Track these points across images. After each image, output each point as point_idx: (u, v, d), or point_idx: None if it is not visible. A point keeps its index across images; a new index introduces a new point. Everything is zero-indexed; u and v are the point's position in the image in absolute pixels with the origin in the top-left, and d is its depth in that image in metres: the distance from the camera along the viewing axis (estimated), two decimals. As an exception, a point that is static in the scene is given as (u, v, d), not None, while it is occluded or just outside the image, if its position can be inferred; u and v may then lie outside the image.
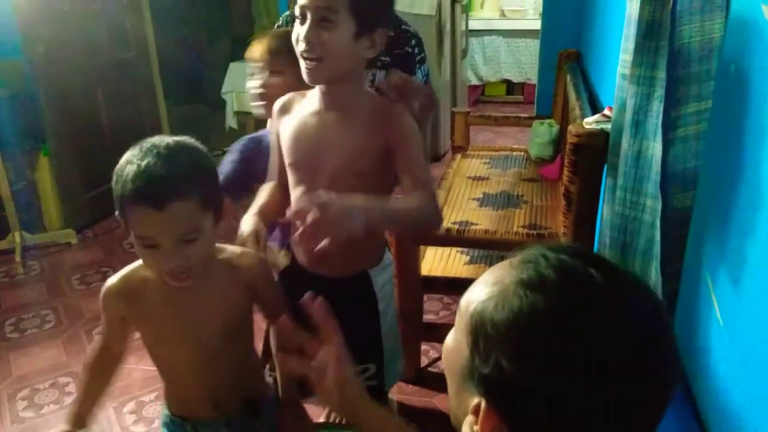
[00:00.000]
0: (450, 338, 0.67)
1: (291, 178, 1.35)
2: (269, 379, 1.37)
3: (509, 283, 0.58)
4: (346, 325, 1.41)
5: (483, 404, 0.58)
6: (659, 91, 1.14)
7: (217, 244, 1.15)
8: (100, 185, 3.64)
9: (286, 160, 1.35)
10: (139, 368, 2.33)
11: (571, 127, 1.74)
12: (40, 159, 3.34)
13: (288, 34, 1.48)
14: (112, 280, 1.14)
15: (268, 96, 1.54)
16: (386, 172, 1.31)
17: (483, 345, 0.57)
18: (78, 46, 3.49)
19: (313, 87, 1.30)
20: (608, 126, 1.63)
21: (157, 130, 3.82)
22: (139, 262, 1.13)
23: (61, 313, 2.76)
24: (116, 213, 1.03)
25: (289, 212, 1.24)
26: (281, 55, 1.51)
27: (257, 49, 1.60)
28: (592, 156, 1.66)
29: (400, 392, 2.15)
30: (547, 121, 3.14)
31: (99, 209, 3.65)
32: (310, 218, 0.99)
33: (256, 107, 1.62)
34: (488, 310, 0.57)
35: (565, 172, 1.80)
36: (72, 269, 3.15)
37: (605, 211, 1.55)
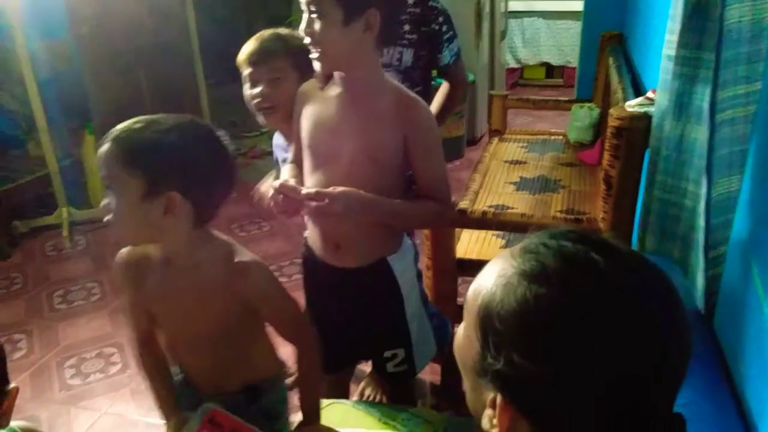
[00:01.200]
0: (460, 333, 0.65)
1: (306, 162, 1.36)
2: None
3: (512, 275, 0.57)
4: (371, 313, 1.44)
5: (499, 399, 0.57)
6: (705, 73, 1.12)
7: (230, 244, 1.13)
8: (143, 164, 3.74)
9: (303, 144, 1.36)
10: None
11: (612, 110, 1.71)
12: (86, 136, 3.44)
13: (277, 36, 1.48)
14: (122, 252, 1.16)
15: (270, 105, 1.50)
16: (401, 163, 1.31)
17: (492, 340, 0.57)
18: (121, 27, 3.57)
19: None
20: (651, 109, 1.59)
21: (197, 110, 3.90)
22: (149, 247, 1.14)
23: (106, 286, 2.86)
24: None
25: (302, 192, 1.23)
26: (278, 60, 1.48)
27: (248, 55, 1.51)
28: (634, 140, 1.63)
29: (432, 372, 2.17)
30: (587, 104, 3.08)
31: (141, 187, 3.75)
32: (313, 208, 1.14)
33: (259, 119, 1.56)
34: (494, 305, 0.57)
35: (606, 156, 1.78)
36: (115, 244, 3.24)
37: (646, 196, 1.53)
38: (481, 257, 2.18)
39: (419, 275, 1.82)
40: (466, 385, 0.65)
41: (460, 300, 2.31)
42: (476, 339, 0.59)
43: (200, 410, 1.17)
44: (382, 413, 1.36)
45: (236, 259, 1.09)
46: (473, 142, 4.56)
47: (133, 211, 1.00)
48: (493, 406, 0.58)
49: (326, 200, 1.17)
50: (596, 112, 3.02)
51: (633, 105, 1.70)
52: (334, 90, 1.32)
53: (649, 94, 1.72)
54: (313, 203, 1.19)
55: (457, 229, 2.13)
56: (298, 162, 1.41)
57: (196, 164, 1.02)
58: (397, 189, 1.33)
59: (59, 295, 2.79)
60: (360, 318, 1.43)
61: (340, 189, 1.20)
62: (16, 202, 3.24)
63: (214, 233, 1.13)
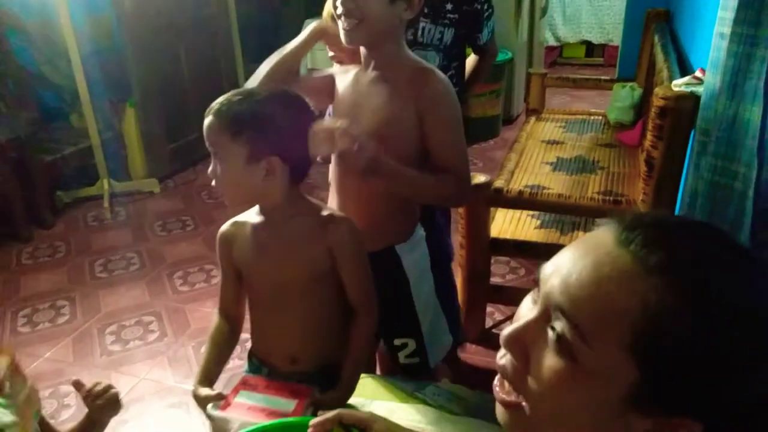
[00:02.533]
0: (563, 363, 0.51)
1: None
2: None
3: (650, 280, 0.48)
4: (381, 300, 1.40)
5: (678, 423, 0.49)
6: (763, 51, 1.07)
7: (319, 202, 1.23)
8: (182, 138, 3.80)
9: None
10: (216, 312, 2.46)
11: (658, 90, 1.66)
12: (127, 110, 3.51)
13: None
14: (224, 226, 1.25)
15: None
16: (417, 140, 1.28)
17: (665, 362, 0.48)
18: (162, 2, 3.60)
19: None
20: (699, 89, 1.55)
21: (234, 87, 3.92)
22: (246, 212, 1.23)
23: (145, 256, 2.93)
24: None
25: (335, 122, 1.18)
26: None
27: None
28: (679, 120, 1.59)
29: (463, 351, 2.17)
30: (630, 84, 3.00)
31: (180, 160, 3.82)
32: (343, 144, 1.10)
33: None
34: (656, 317, 0.47)
35: (648, 136, 1.73)
36: (155, 216, 3.33)
37: (690, 179, 1.49)
38: (516, 237, 2.17)
39: (446, 262, 1.79)
40: (565, 422, 0.54)
41: (492, 279, 2.30)
42: (633, 368, 0.48)
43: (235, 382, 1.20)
44: (412, 387, 1.37)
45: (325, 213, 1.21)
46: (509, 121, 4.50)
47: (237, 175, 1.10)
48: None
49: (356, 145, 1.13)
50: (638, 92, 2.95)
51: (679, 84, 1.65)
52: (355, 68, 1.33)
53: (697, 74, 1.67)
54: (345, 142, 1.13)
55: (491, 209, 2.11)
56: None
57: (291, 130, 1.11)
58: (416, 160, 1.29)
59: (100, 264, 2.87)
60: None
61: (374, 144, 1.16)
62: (59, 172, 3.32)
63: (304, 195, 1.23)
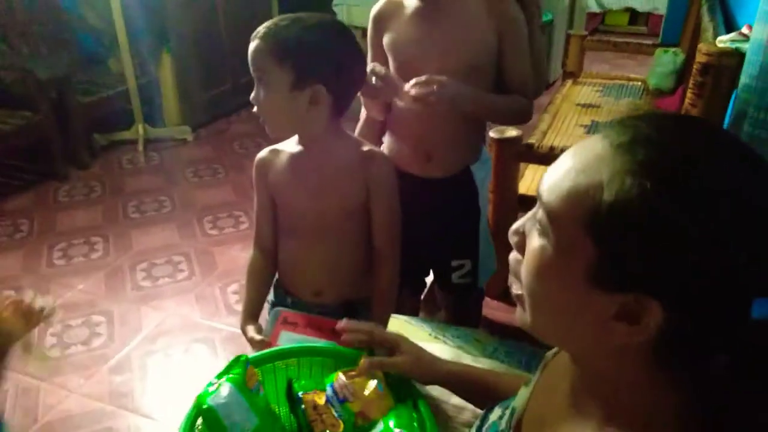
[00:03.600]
0: (538, 243, 0.56)
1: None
2: None
3: (617, 160, 0.50)
4: (448, 223, 1.48)
5: (641, 300, 0.50)
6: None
7: (359, 138, 1.25)
8: (216, 88, 3.83)
9: (394, 64, 1.36)
10: (243, 255, 2.52)
11: (701, 46, 1.61)
12: (164, 57, 3.54)
13: None
14: (261, 152, 1.26)
15: None
16: (494, 63, 1.34)
17: (620, 236, 0.49)
18: (201, -50, 3.59)
19: None
20: (744, 45, 1.50)
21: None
22: (285, 141, 1.24)
23: (176, 200, 2.99)
24: None
25: (407, 85, 1.24)
26: None
27: None
28: (721, 77, 1.54)
29: (486, 307, 2.19)
30: (673, 49, 2.92)
31: (213, 110, 3.86)
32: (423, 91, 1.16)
33: None
34: (613, 199, 0.49)
35: (688, 95, 1.69)
36: (187, 163, 3.38)
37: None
38: (544, 195, 2.15)
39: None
40: (549, 306, 0.58)
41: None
42: (590, 245, 0.51)
43: (271, 315, 1.23)
44: (432, 328, 1.39)
45: (365, 148, 1.21)
46: (545, 87, 4.41)
47: (281, 101, 1.10)
48: (623, 316, 0.51)
49: (435, 87, 1.19)
50: (681, 58, 2.86)
51: (724, 41, 1.59)
52: (415, 3, 1.32)
53: (744, 30, 1.61)
54: (420, 90, 1.20)
55: (521, 165, 2.10)
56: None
57: (338, 59, 1.10)
58: (488, 89, 1.37)
59: (133, 205, 2.94)
60: (437, 229, 1.47)
61: (444, 78, 1.22)
62: (96, 115, 3.38)
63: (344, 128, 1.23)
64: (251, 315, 1.27)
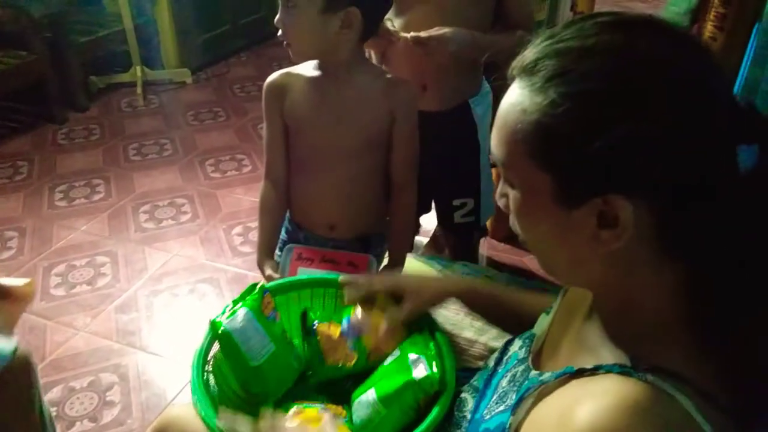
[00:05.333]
0: (511, 195, 0.59)
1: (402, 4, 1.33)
2: None
3: (525, 88, 0.54)
4: (446, 160, 1.44)
5: (603, 202, 0.52)
6: None
7: (379, 66, 1.24)
8: (214, 29, 3.72)
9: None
10: (246, 198, 2.49)
11: (725, -26, 1.54)
12: (160, -4, 3.43)
13: None
14: (273, 75, 1.20)
15: None
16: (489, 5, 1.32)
17: (558, 151, 0.53)
18: None
19: None
20: (771, -27, 1.43)
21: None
22: (300, 65, 1.18)
23: (177, 143, 2.95)
24: None
25: (409, 35, 1.23)
26: None
27: None
28: (744, 8, 1.48)
29: (491, 249, 2.18)
30: (688, -13, 2.81)
31: (212, 52, 3.76)
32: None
33: None
34: (533, 116, 0.53)
35: (709, 27, 1.64)
36: (187, 106, 3.31)
37: (750, 73, 1.41)
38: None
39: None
40: (545, 246, 0.60)
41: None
42: (542, 173, 0.54)
43: (285, 251, 1.21)
44: (441, 265, 1.38)
45: (389, 75, 1.19)
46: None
47: (310, 25, 1.06)
48: (603, 223, 0.53)
49: (434, 43, 1.21)
50: (697, -4, 2.76)
51: (750, -31, 1.52)
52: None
53: (771, -43, 1.54)
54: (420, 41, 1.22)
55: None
56: None
57: None
58: (488, 19, 1.34)
59: (134, 148, 2.90)
60: (436, 165, 1.42)
61: (448, 30, 1.22)
62: (93, 55, 3.29)
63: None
64: (268, 250, 1.24)
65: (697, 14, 2.70)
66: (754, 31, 1.53)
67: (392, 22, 1.32)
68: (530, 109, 0.53)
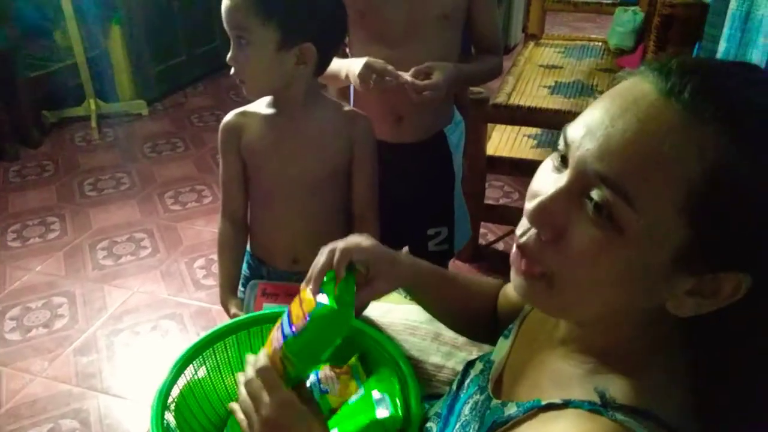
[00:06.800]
0: (599, 232, 0.48)
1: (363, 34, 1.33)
2: None
3: (704, 125, 0.44)
4: (422, 191, 1.45)
5: (717, 276, 0.47)
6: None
7: (334, 99, 1.20)
8: (170, 59, 3.69)
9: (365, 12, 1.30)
10: (208, 230, 2.46)
11: (664, -2, 1.61)
12: (112, 28, 3.38)
13: None
14: (228, 116, 1.18)
15: None
16: (465, 17, 1.34)
17: (722, 218, 0.45)
18: None
19: None
20: (707, -4, 1.50)
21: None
22: (253, 103, 1.17)
23: (135, 176, 2.89)
24: None
25: (405, 75, 1.23)
26: None
27: None
28: (684, 29, 1.55)
29: (457, 269, 2.19)
30: (632, 8, 2.93)
31: (168, 82, 3.72)
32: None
33: None
34: (714, 170, 0.44)
35: (651, 48, 1.70)
36: (144, 138, 3.26)
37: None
38: (512, 155, 2.15)
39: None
40: (600, 293, 0.51)
41: (486, 202, 2.30)
42: (683, 228, 0.45)
43: (248, 288, 1.19)
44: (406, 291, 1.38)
45: (347, 108, 1.18)
46: (506, 51, 4.40)
47: (266, 63, 1.04)
48: (696, 292, 0.48)
49: (427, 93, 1.21)
50: (640, 16, 2.88)
51: (687, -8, 1.60)
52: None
53: (705, -19, 1.61)
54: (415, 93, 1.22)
55: (488, 126, 2.09)
56: None
57: (325, 15, 1.05)
58: (458, 44, 1.36)
59: (90, 183, 2.83)
60: (411, 195, 1.43)
61: (440, 76, 1.22)
62: (44, 90, 3.21)
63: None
64: (231, 288, 1.22)
65: (642, 34, 2.81)
66: (695, 50, 1.60)
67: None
68: (706, 156, 0.44)
